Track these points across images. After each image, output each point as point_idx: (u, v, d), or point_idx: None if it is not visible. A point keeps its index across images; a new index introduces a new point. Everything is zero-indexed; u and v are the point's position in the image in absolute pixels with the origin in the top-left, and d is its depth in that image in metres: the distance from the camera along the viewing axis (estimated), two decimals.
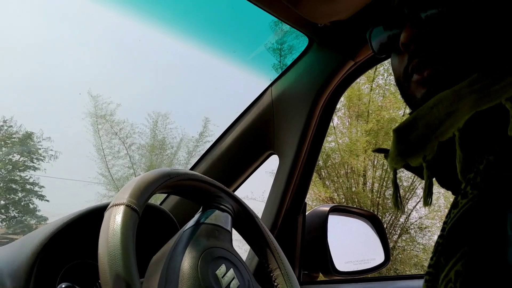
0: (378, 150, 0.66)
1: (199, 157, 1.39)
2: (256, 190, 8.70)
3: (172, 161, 10.86)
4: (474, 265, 0.42)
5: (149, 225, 0.93)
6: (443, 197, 9.73)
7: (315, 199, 10.23)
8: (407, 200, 10.18)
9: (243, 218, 0.91)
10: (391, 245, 10.27)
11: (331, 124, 10.65)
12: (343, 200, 10.39)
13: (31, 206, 10.48)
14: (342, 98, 9.98)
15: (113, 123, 10.41)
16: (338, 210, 1.43)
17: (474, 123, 0.48)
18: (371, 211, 1.75)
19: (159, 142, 10.86)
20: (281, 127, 1.27)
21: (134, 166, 10.53)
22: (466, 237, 0.45)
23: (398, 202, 0.62)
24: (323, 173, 10.73)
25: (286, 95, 1.27)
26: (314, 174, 10.32)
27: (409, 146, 0.55)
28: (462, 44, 0.54)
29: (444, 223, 0.50)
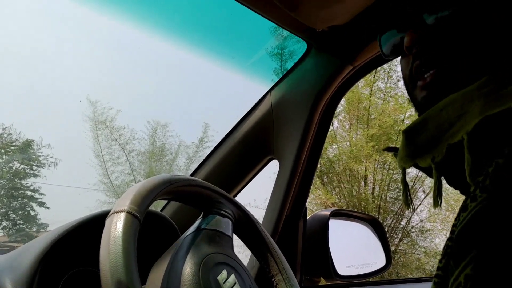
0: (388, 149, 0.67)
1: (199, 162, 1.39)
2: (259, 197, 8.69)
3: (172, 167, 10.87)
4: (484, 269, 0.42)
5: (150, 232, 0.93)
6: (444, 200, 9.71)
7: (321, 204, 10.24)
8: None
9: (244, 223, 0.92)
10: (392, 248, 10.26)
11: (333, 131, 10.69)
12: (345, 205, 10.39)
13: (32, 213, 10.46)
14: (342, 101, 10.02)
15: (113, 129, 10.42)
16: (339, 214, 1.43)
17: (483, 126, 0.48)
18: (372, 214, 1.75)
19: (158, 148, 10.87)
20: (281, 132, 1.27)
21: (134, 172, 10.53)
22: (475, 241, 0.44)
23: (408, 200, 0.64)
24: (325, 179, 10.75)
25: (285, 100, 1.27)
26: (318, 180, 10.35)
27: (418, 147, 0.56)
28: (465, 47, 0.55)
29: (453, 225, 0.50)
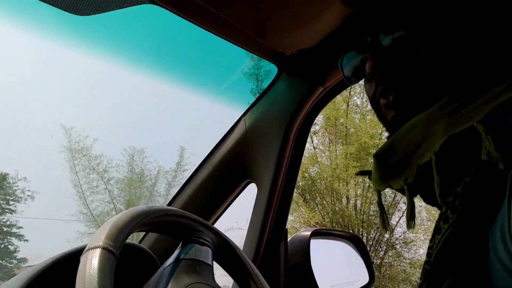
0: (362, 173, 0.67)
1: (179, 186, 1.38)
2: (241, 219, 8.65)
3: (152, 193, 10.77)
4: None
5: (129, 265, 0.92)
6: (425, 210, 9.83)
7: (305, 223, 10.22)
8: (390, 216, 10.26)
9: (223, 250, 0.91)
10: (378, 262, 10.28)
11: (314, 151, 10.76)
12: (329, 221, 10.40)
13: (11, 248, 10.19)
14: (320, 118, 10.07)
15: (90, 158, 10.29)
16: (320, 233, 1.43)
17: (449, 146, 0.49)
18: (353, 232, 1.76)
19: (137, 175, 10.76)
20: (257, 155, 1.28)
21: (114, 200, 10.37)
22: (451, 264, 0.45)
23: (386, 223, 0.64)
24: (308, 196, 10.77)
25: (260, 123, 1.28)
26: (301, 198, 10.36)
27: (389, 170, 0.57)
28: (424, 67, 0.56)
29: (429, 248, 0.50)
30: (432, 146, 0.50)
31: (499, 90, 0.47)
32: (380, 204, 0.64)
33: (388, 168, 0.57)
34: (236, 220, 9.10)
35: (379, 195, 0.63)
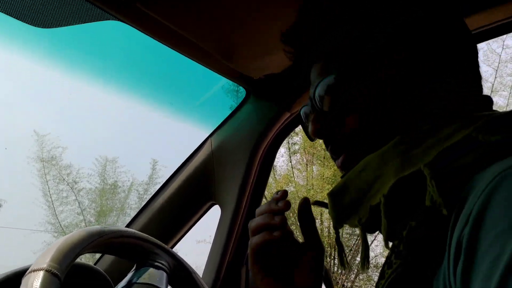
0: (317, 203, 0.66)
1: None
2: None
3: (123, 206, 10.53)
4: None
5: (82, 287, 0.88)
6: None
7: None
8: (360, 239, 10.31)
9: (180, 274, 0.89)
10: (348, 285, 10.29)
11: (292, 171, 10.79)
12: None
13: None
14: (299, 138, 10.09)
15: (61, 168, 10.02)
16: None
17: (398, 188, 0.48)
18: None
19: (110, 185, 10.53)
20: (222, 177, 1.26)
21: (83, 212, 10.10)
22: None
23: (344, 261, 0.63)
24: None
25: (226, 145, 1.27)
26: None
27: (344, 210, 0.56)
28: (406, 68, 0.55)
29: None
30: (382, 188, 0.50)
31: (450, 132, 0.47)
32: (338, 241, 0.63)
33: (343, 207, 0.56)
34: (210, 234, 8.98)
35: (337, 233, 0.62)
